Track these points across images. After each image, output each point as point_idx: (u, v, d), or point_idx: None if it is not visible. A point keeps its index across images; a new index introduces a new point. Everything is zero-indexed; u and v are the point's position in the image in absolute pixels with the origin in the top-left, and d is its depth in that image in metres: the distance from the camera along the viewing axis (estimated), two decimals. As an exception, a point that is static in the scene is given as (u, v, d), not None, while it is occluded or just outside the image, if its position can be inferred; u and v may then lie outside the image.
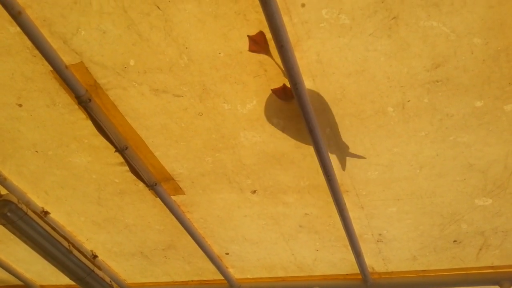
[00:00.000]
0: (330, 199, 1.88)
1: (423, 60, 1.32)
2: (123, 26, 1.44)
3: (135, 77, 1.61)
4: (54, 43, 1.54)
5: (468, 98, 1.39)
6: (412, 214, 1.92)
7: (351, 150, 1.67)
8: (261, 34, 1.35)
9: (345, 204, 1.90)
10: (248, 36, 1.36)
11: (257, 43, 1.38)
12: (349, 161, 1.73)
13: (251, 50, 1.40)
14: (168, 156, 1.95)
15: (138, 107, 1.74)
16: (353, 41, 1.32)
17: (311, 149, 1.68)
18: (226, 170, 1.92)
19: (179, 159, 1.95)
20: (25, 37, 1.50)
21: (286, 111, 1.60)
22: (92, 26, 1.45)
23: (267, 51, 1.40)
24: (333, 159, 1.72)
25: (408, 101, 1.44)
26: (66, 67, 1.61)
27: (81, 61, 1.59)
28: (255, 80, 1.53)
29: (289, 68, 1.39)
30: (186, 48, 1.47)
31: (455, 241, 2.01)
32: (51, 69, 1.62)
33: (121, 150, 1.90)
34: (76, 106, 1.78)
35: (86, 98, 1.69)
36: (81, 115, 1.83)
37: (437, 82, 1.36)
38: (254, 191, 2.00)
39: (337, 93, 1.48)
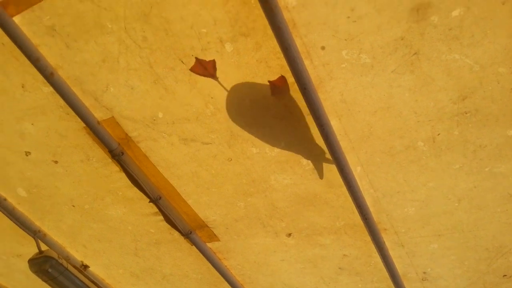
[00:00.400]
0: (369, 238, 1.82)
1: (449, 93, 1.29)
2: (149, 81, 1.49)
3: (164, 128, 1.65)
4: (86, 101, 1.61)
5: (499, 128, 1.34)
6: (456, 249, 1.83)
7: (384, 187, 1.63)
8: (281, 78, 1.37)
9: (384, 243, 1.83)
10: (269, 81, 1.38)
11: (278, 87, 1.39)
12: (384, 198, 1.68)
13: (273, 94, 1.41)
14: (201, 203, 1.95)
15: (168, 157, 1.77)
16: (376, 79, 1.31)
17: (343, 189, 1.65)
18: (259, 214, 1.90)
19: (211, 205, 1.95)
20: (58, 97, 1.57)
21: (314, 150, 1.58)
22: (121, 82, 1.51)
23: (288, 93, 1.41)
24: (368, 197, 1.68)
25: (438, 134, 1.41)
26: (98, 122, 1.67)
27: (112, 116, 1.65)
28: (281, 123, 1.54)
29: (315, 109, 1.39)
30: (212, 98, 1.50)
31: (504, 275, 1.89)
32: (84, 125, 1.68)
33: (154, 200, 1.93)
34: (110, 160, 1.83)
35: (119, 152, 1.74)
36: (114, 168, 1.87)
37: (466, 113, 1.32)
38: (289, 234, 1.96)
39: (364, 131, 1.46)
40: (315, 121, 1.42)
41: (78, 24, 1.34)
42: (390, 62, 1.27)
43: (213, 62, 1.39)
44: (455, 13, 1.14)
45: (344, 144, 1.51)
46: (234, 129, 1.60)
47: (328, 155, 1.54)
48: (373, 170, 1.58)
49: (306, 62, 1.32)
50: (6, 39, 1.39)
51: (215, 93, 1.49)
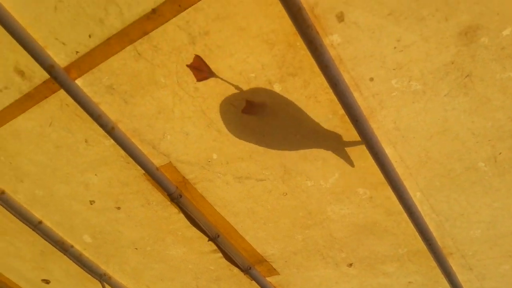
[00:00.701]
0: (434, 264, 1.77)
1: (506, 111, 1.26)
2: (203, 126, 1.55)
3: (219, 169, 1.70)
4: (145, 149, 1.68)
5: None
6: (530, 270, 1.74)
7: (446, 211, 1.59)
8: (197, 58, 1.33)
9: (451, 267, 1.77)
10: (188, 66, 1.35)
11: (199, 69, 1.37)
12: (448, 221, 1.63)
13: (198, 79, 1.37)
14: (258, 238, 1.97)
15: (224, 195, 1.81)
16: (429, 104, 1.30)
17: (404, 215, 1.62)
18: (317, 246, 1.89)
19: (269, 240, 1.97)
20: (119, 148, 1.66)
21: (370, 178, 1.58)
22: (176, 130, 1.58)
23: (211, 74, 1.37)
24: (430, 221, 1.64)
25: (500, 153, 1.37)
26: (157, 169, 1.74)
27: (170, 162, 1.71)
28: (334, 155, 1.54)
29: (368, 139, 1.39)
30: (264, 136, 1.54)
31: None
32: (144, 172, 1.76)
33: (213, 238, 1.96)
34: (169, 203, 1.89)
35: (177, 195, 1.80)
36: (173, 210, 1.93)
37: (529, 132, 1.28)
38: (350, 264, 1.93)
39: (421, 156, 1.44)
40: (369, 150, 1.42)
41: (134, 81, 1.43)
42: (442, 87, 1.26)
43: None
44: (506, 32, 1.13)
45: (401, 170, 1.49)
46: (287, 164, 1.62)
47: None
48: (434, 194, 1.54)
49: (356, 94, 1.34)
50: (70, 100, 1.49)
51: (266, 131, 1.53)
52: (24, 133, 1.69)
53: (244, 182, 1.73)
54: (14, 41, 1.34)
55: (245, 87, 1.40)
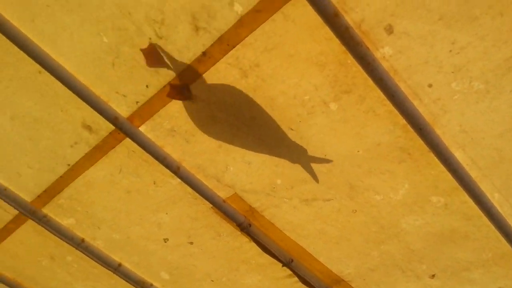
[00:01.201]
0: (525, 267, 1.65)
1: None
2: (264, 153, 1.56)
3: (284, 194, 1.70)
4: (209, 183, 1.72)
5: None
6: None
7: (532, 209, 1.49)
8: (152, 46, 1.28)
9: (544, 268, 1.65)
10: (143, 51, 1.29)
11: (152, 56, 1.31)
12: (533, 220, 1.53)
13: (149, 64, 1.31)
14: (332, 258, 1.94)
15: (293, 219, 1.81)
16: (494, 103, 1.25)
17: (484, 219, 1.54)
18: (395, 260, 1.83)
19: (343, 259, 1.93)
20: (185, 185, 1.71)
21: (442, 185, 1.52)
22: (238, 161, 1.61)
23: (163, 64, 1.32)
24: (513, 223, 1.54)
25: None
26: (224, 201, 1.77)
27: (235, 193, 1.74)
28: (401, 166, 1.50)
29: (434, 146, 1.35)
30: (325, 155, 1.53)
31: None
32: (211, 206, 1.79)
33: (287, 263, 1.96)
34: (239, 232, 1.91)
35: (246, 224, 1.82)
36: (244, 239, 1.95)
37: None
38: (433, 275, 1.85)
39: (493, 156, 1.37)
40: (438, 157, 1.37)
41: (194, 121, 1.47)
42: (506, 83, 1.21)
43: (187, 86, 1.37)
44: None
45: (474, 173, 1.43)
46: (352, 180, 1.60)
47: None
48: (514, 193, 1.46)
49: (416, 102, 1.31)
50: (136, 146, 1.57)
51: (327, 150, 1.52)
52: (97, 182, 1.78)
53: (311, 204, 1.72)
54: (79, 100, 1.43)
55: (300, 110, 1.41)
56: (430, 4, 1.13)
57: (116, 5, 1.21)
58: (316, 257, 1.94)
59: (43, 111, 1.50)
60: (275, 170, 1.63)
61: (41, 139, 1.61)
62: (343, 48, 1.22)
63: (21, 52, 1.31)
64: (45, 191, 1.81)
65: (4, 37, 1.27)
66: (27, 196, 1.85)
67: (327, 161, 1.55)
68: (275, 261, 1.96)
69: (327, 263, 1.96)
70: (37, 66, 1.35)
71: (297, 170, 1.60)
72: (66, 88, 1.39)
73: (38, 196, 1.84)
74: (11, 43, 1.28)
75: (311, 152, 1.53)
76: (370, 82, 1.28)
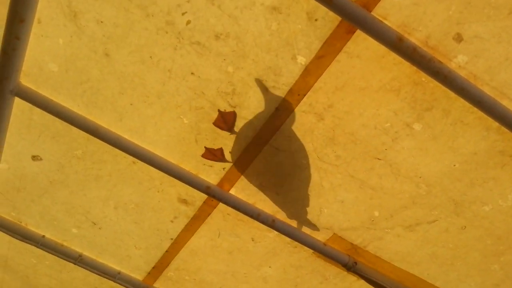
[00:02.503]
0: None
1: None
2: (355, 188, 1.54)
3: (385, 225, 1.65)
4: (307, 229, 1.71)
5: None
6: None
7: None
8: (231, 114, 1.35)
9: None
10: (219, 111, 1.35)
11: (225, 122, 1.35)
12: None
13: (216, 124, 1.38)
14: (451, 281, 1.82)
15: (400, 249, 1.74)
16: None
17: None
18: (523, 270, 1.68)
19: (463, 279, 1.80)
20: (283, 236, 1.71)
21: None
22: (331, 201, 1.59)
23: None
24: None
25: None
26: (324, 244, 1.75)
27: (334, 233, 1.71)
28: (505, 170, 1.41)
29: (539, 143, 1.25)
30: (420, 177, 1.48)
31: None
32: (312, 251, 1.77)
33: (403, 294, 1.86)
34: (345, 272, 1.87)
35: (352, 263, 1.77)
36: (352, 278, 1.90)
37: None
38: None
39: None
40: (546, 154, 1.27)
41: (279, 173, 1.50)
42: None
43: (220, 150, 1.43)
44: None
45: None
46: (455, 196, 1.52)
47: None
48: None
49: (505, 102, 1.24)
50: (230, 209, 1.61)
51: (421, 171, 1.47)
52: (200, 250, 1.84)
53: (416, 229, 1.65)
54: (172, 178, 1.51)
55: (384, 138, 1.39)
56: (496, 1, 1.10)
57: (189, 89, 1.29)
58: (433, 283, 1.83)
59: (142, 195, 1.61)
60: (370, 203, 1.59)
61: (144, 220, 1.71)
62: (415, 68, 1.20)
63: (115, 149, 1.42)
64: (154, 267, 1.90)
65: (99, 140, 1.40)
66: (139, 275, 1.95)
67: (424, 182, 1.49)
68: (390, 295, 1.88)
69: (446, 286, 1.84)
70: (131, 158, 1.46)
71: (393, 198, 1.56)
72: (159, 171, 1.48)
73: (149, 273, 1.94)
74: (106, 143, 1.41)
75: (404, 177, 1.49)
76: (452, 94, 1.24)
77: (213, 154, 1.46)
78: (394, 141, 1.39)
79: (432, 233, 1.65)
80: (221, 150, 1.44)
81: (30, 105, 1.40)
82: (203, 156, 1.46)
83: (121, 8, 1.17)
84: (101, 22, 1.21)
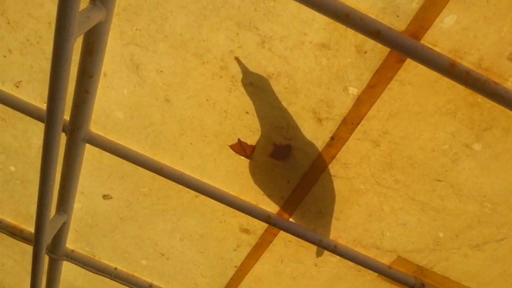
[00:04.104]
0: None
1: None
2: (417, 211, 1.52)
3: (451, 245, 1.61)
4: (369, 253, 1.70)
5: None
6: None
7: None
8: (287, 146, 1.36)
9: None
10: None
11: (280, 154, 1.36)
12: None
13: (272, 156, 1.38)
14: (528, 300, 1.73)
15: (468, 269, 1.68)
16: None
17: None
18: None
19: (542, 298, 1.71)
20: (345, 260, 1.71)
21: None
22: (392, 225, 1.58)
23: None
24: None
25: None
26: (389, 267, 1.73)
27: (398, 256, 1.69)
28: None
29: None
30: (484, 196, 1.44)
31: None
32: (377, 274, 1.76)
33: (476, 315, 1.79)
34: (414, 294, 1.83)
35: (419, 285, 1.74)
36: (421, 299, 1.85)
37: None
38: None
39: None
40: None
41: (338, 198, 1.51)
42: None
43: (252, 147, 1.40)
44: None
45: None
46: (524, 213, 1.46)
47: None
48: None
49: None
50: (291, 236, 1.64)
51: (485, 190, 1.43)
52: (264, 276, 1.88)
53: (483, 248, 1.60)
54: (233, 210, 1.57)
55: (443, 160, 1.37)
56: (551, 18, 1.07)
57: (244, 127, 1.35)
58: (509, 302, 1.75)
59: (205, 227, 1.68)
60: (433, 224, 1.56)
61: (209, 250, 1.77)
62: (470, 90, 1.19)
63: (179, 185, 1.50)
64: (220, 294, 1.96)
65: (163, 178, 1.49)
66: (206, 302, 2.01)
67: (489, 201, 1.45)
68: (462, 315, 1.82)
69: (524, 306, 1.75)
70: (194, 192, 1.54)
71: (458, 218, 1.52)
72: (220, 203, 1.54)
73: (215, 300, 1.99)
74: (170, 180, 1.49)
75: (468, 197, 1.45)
76: (510, 112, 1.21)
77: (242, 148, 1.45)
78: (454, 162, 1.37)
79: (501, 251, 1.59)
80: (252, 147, 1.43)
81: (99, 150, 1.52)
82: (231, 146, 1.44)
83: (178, 58, 1.25)
84: (161, 71, 1.29)
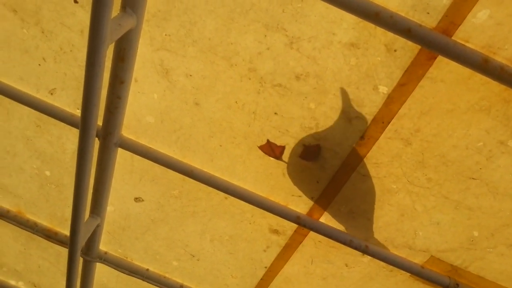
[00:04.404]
0: None
1: None
2: (451, 209, 1.49)
3: (486, 244, 1.57)
4: (402, 253, 1.68)
5: None
6: None
7: None
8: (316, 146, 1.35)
9: None
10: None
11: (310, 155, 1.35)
12: None
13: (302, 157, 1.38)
14: None
15: (505, 268, 1.64)
16: None
17: None
18: None
19: None
20: (377, 261, 1.69)
21: None
22: (425, 224, 1.55)
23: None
24: None
25: None
26: (422, 267, 1.70)
27: (431, 256, 1.66)
28: None
29: None
30: (520, 194, 1.40)
31: None
32: (410, 274, 1.73)
33: (514, 316, 1.75)
34: (447, 294, 1.79)
35: (454, 284, 1.70)
36: (455, 300, 1.81)
37: None
38: None
39: None
40: None
41: (368, 198, 1.50)
42: None
43: (281, 148, 1.40)
44: None
45: None
46: None
47: None
48: None
49: None
50: (321, 237, 1.63)
51: (522, 189, 1.39)
52: (294, 277, 1.88)
53: (521, 246, 1.56)
54: (262, 211, 1.57)
55: (478, 157, 1.34)
56: None
57: (273, 128, 1.35)
58: (548, 303, 1.70)
59: (235, 228, 1.69)
60: (468, 223, 1.53)
61: (238, 251, 1.78)
62: (504, 86, 1.16)
63: (208, 187, 1.52)
64: (250, 295, 1.97)
65: (194, 180, 1.50)
66: (236, 303, 2.02)
67: (525, 199, 1.41)
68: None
69: None
70: (223, 194, 1.55)
71: (493, 217, 1.48)
72: (249, 204, 1.55)
73: (246, 301, 2.00)
74: (200, 182, 1.51)
75: (503, 194, 1.42)
76: (548, 107, 1.17)
77: (271, 149, 1.45)
78: (489, 159, 1.34)
79: (541, 250, 1.54)
80: (282, 148, 1.43)
81: (131, 153, 1.54)
82: (260, 147, 1.45)
83: (207, 62, 1.27)
84: (190, 75, 1.31)
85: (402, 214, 1.54)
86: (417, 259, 1.70)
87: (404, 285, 1.82)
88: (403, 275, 1.77)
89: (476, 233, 1.55)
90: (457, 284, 1.72)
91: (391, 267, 1.72)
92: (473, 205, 1.47)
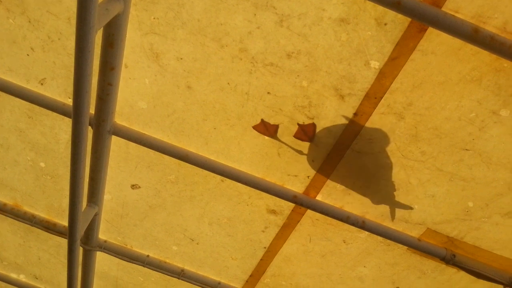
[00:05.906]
0: None
1: None
2: (445, 181, 1.51)
3: (481, 214, 1.60)
4: (399, 227, 1.71)
5: None
6: None
7: None
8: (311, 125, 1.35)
9: None
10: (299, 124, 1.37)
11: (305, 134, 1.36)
12: None
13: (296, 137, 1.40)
14: None
15: (500, 237, 1.67)
16: None
17: None
18: None
19: None
20: (375, 236, 1.71)
21: None
22: (420, 197, 1.57)
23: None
24: None
25: None
26: (418, 239, 1.72)
27: (428, 228, 1.69)
28: None
29: None
30: (514, 163, 1.41)
31: None
32: (407, 248, 1.76)
33: (509, 283, 1.78)
34: (444, 265, 1.82)
35: (450, 256, 1.73)
36: (451, 270, 1.85)
37: None
38: None
39: None
40: None
41: (364, 174, 1.51)
42: None
43: (275, 126, 1.40)
44: None
45: None
46: (556, 178, 1.43)
47: None
48: None
49: None
50: (318, 215, 1.65)
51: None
52: (293, 255, 1.90)
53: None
54: (259, 191, 1.58)
55: (470, 129, 1.35)
56: None
57: (267, 107, 1.35)
58: (543, 269, 1.74)
59: (233, 210, 1.70)
60: (462, 194, 1.55)
61: (237, 232, 1.80)
62: (495, 55, 1.16)
63: (204, 170, 1.52)
64: (251, 275, 1.99)
65: (189, 164, 1.50)
66: (237, 284, 2.05)
67: (518, 167, 1.43)
68: (492, 284, 1.81)
69: (559, 272, 1.73)
70: (219, 177, 1.56)
71: (487, 186, 1.50)
72: (246, 186, 1.56)
73: (246, 282, 2.03)
74: (195, 166, 1.51)
75: (497, 164, 1.43)
76: (539, 75, 1.18)
77: (265, 128, 1.45)
78: (482, 130, 1.35)
79: (534, 218, 1.57)
80: (276, 126, 1.43)
81: (125, 140, 1.54)
82: (255, 127, 1.44)
83: (197, 44, 1.26)
84: (181, 59, 1.30)
85: (398, 189, 1.56)
86: (414, 233, 1.72)
87: (402, 258, 1.85)
88: (401, 249, 1.80)
89: (471, 204, 1.58)
90: (454, 255, 1.75)
91: (388, 241, 1.75)
92: (467, 176, 1.49)
